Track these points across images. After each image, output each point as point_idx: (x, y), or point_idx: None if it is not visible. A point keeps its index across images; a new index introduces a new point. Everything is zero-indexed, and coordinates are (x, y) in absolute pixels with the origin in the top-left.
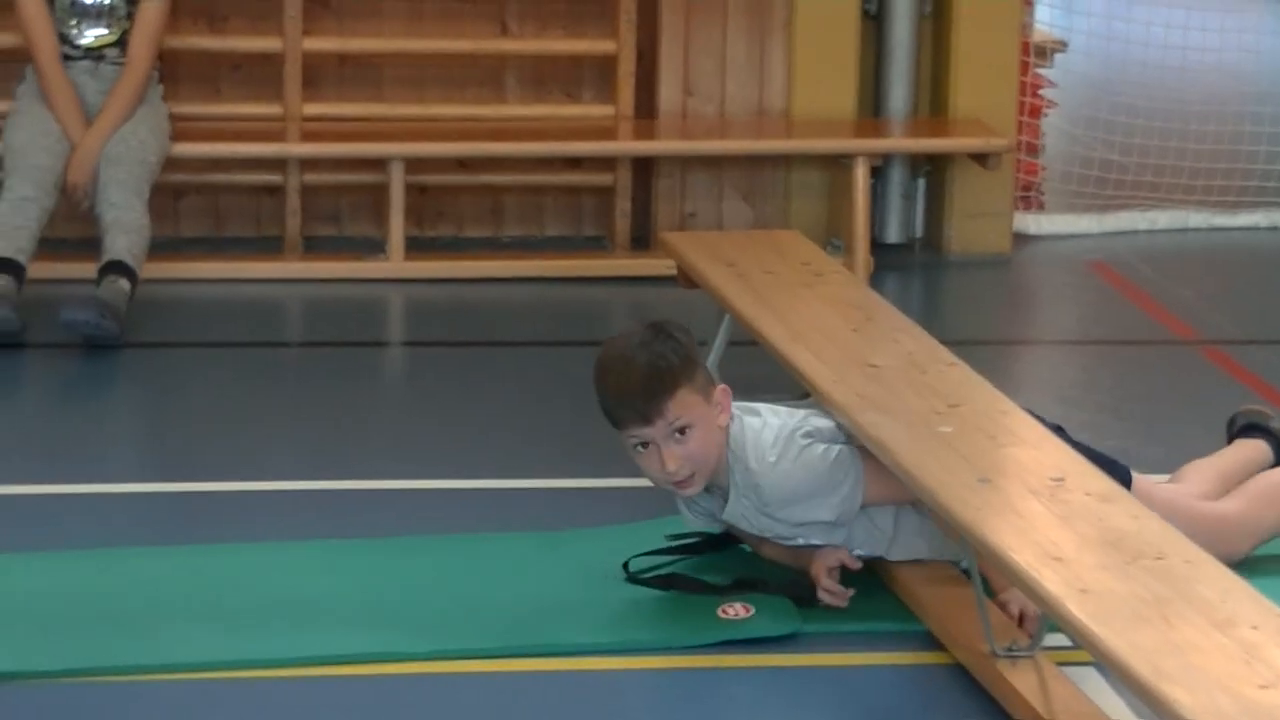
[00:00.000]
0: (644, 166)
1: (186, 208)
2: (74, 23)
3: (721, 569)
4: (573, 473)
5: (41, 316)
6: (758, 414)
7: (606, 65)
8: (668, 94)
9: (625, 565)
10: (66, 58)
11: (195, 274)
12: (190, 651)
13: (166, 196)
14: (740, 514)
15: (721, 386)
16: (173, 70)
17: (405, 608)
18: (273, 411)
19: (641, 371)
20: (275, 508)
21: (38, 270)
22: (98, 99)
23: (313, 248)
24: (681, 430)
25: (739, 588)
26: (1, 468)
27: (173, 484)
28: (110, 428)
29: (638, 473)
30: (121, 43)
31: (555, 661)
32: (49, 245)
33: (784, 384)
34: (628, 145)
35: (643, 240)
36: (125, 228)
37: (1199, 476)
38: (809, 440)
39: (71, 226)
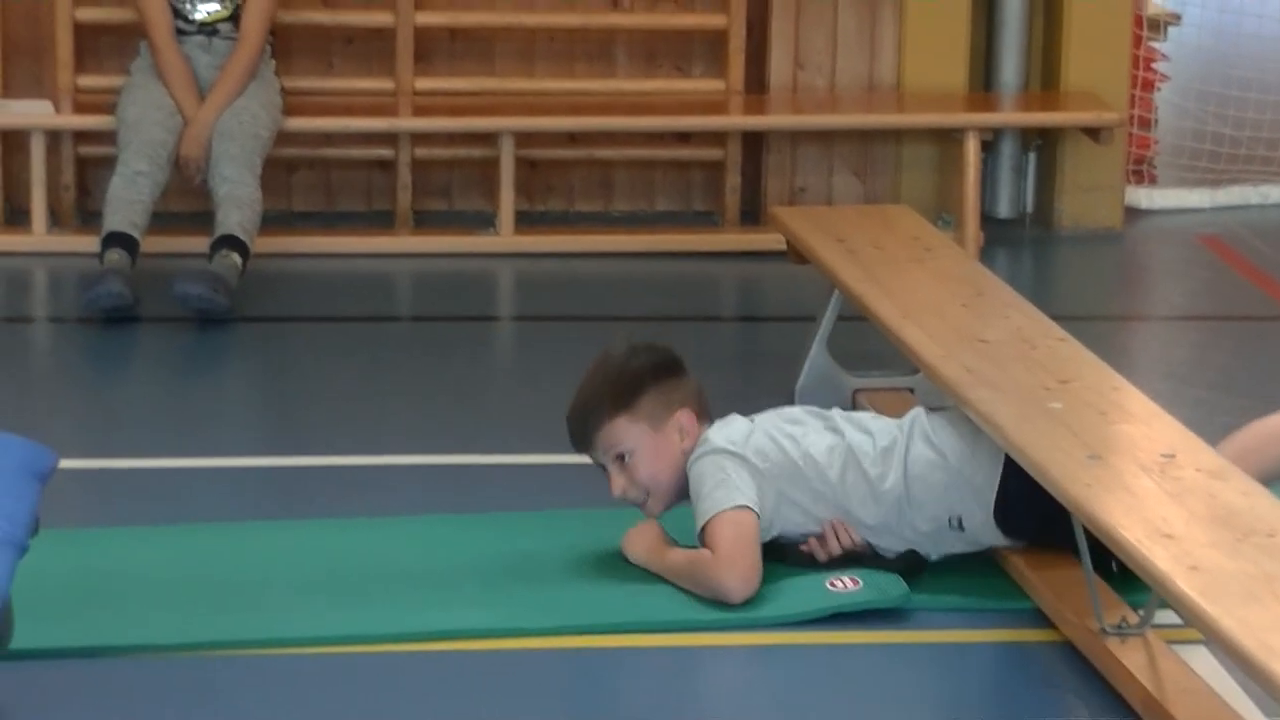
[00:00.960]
0: (754, 141)
1: (298, 182)
2: (190, 2)
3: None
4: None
5: (155, 290)
6: (706, 440)
7: (717, 39)
8: (778, 68)
9: None
10: (180, 33)
11: (307, 248)
12: (304, 626)
13: (278, 171)
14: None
15: (684, 411)
16: (285, 45)
17: (516, 583)
18: (383, 385)
19: (576, 402)
20: (387, 481)
21: (151, 244)
22: (211, 74)
23: (423, 222)
24: (621, 457)
25: (848, 561)
26: (117, 441)
27: (284, 458)
28: (223, 402)
29: None
30: (235, 18)
31: (669, 637)
32: (162, 219)
33: (893, 359)
34: (738, 120)
35: (752, 215)
36: (238, 202)
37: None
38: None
39: (184, 200)
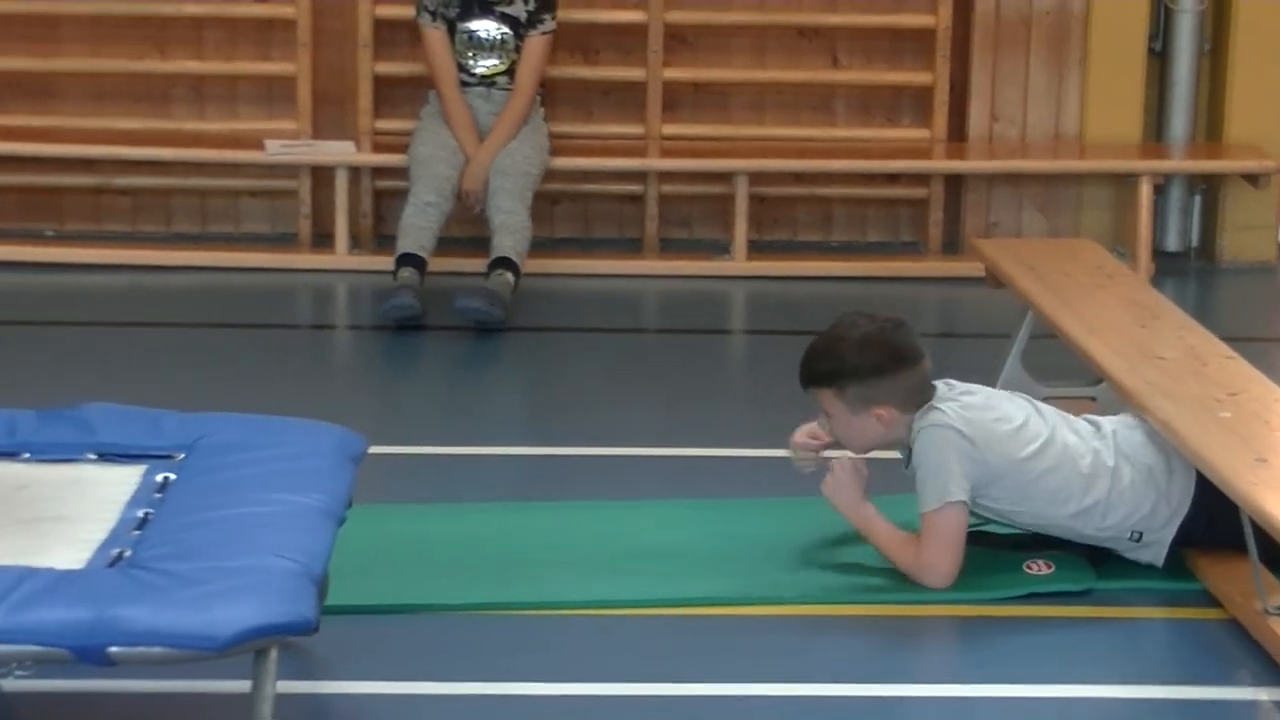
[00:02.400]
0: (954, 182)
1: (561, 213)
2: (471, 54)
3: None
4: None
5: (439, 304)
6: (940, 412)
7: (923, 94)
8: (976, 119)
9: None
10: (464, 84)
11: (568, 270)
12: (569, 591)
13: (544, 203)
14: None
15: (886, 408)
16: (552, 95)
17: (746, 559)
18: (632, 388)
19: (809, 353)
20: (634, 470)
21: (436, 264)
22: (489, 119)
23: (667, 249)
24: (826, 413)
25: (1041, 545)
26: (407, 431)
27: (547, 448)
28: (495, 399)
29: None
30: (510, 72)
31: (875, 608)
32: (446, 243)
33: (1077, 372)
34: (941, 164)
35: (951, 246)
36: (511, 229)
37: None
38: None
39: (465, 227)
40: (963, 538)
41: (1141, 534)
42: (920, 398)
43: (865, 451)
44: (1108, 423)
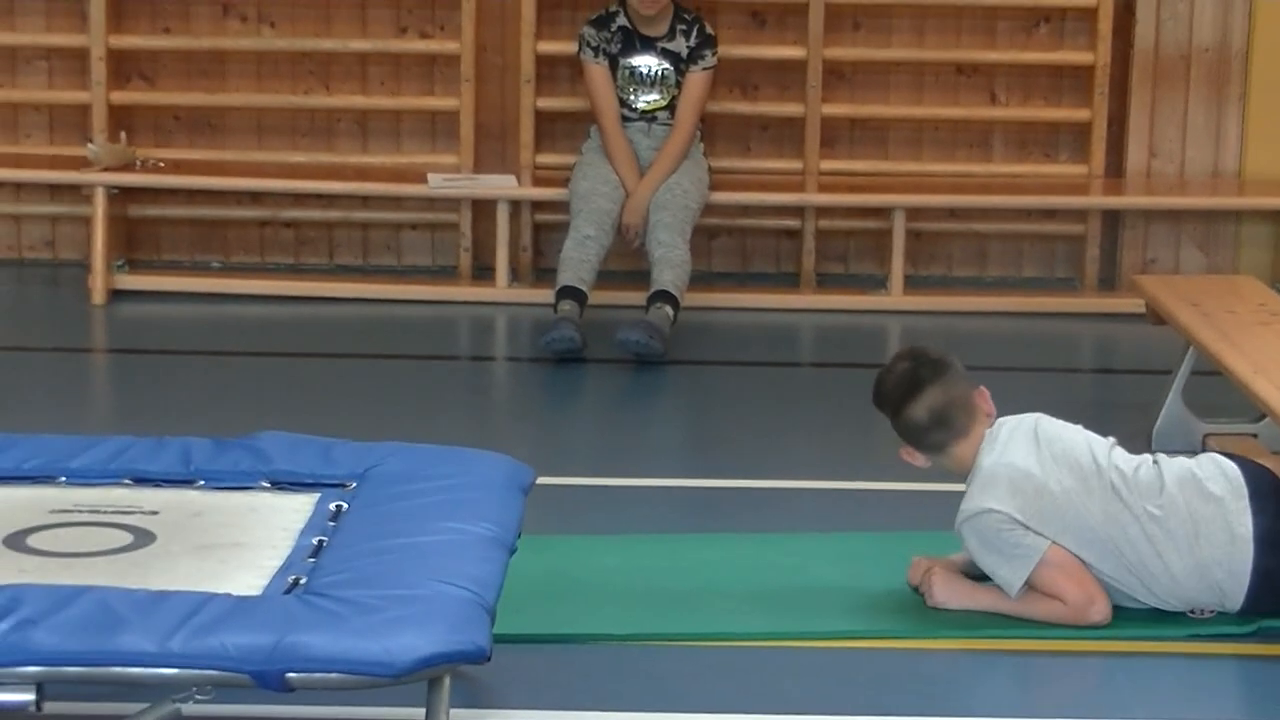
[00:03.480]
0: (1111, 218)
1: (719, 246)
2: (632, 90)
3: None
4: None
5: (599, 336)
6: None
7: (1081, 130)
8: (1135, 155)
9: None
10: (625, 119)
11: (726, 303)
12: (730, 623)
13: (703, 237)
14: None
15: (961, 444)
16: (712, 130)
17: (902, 592)
18: (790, 420)
19: (889, 400)
20: (795, 502)
21: (597, 297)
22: (649, 154)
23: (824, 283)
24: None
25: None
26: (569, 463)
27: (706, 480)
28: (657, 431)
29: None
30: (671, 107)
31: (1023, 643)
32: (606, 276)
33: (1239, 409)
34: (1099, 200)
35: (1108, 282)
36: (670, 263)
37: None
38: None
39: (625, 260)
40: (1080, 567)
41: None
42: (974, 413)
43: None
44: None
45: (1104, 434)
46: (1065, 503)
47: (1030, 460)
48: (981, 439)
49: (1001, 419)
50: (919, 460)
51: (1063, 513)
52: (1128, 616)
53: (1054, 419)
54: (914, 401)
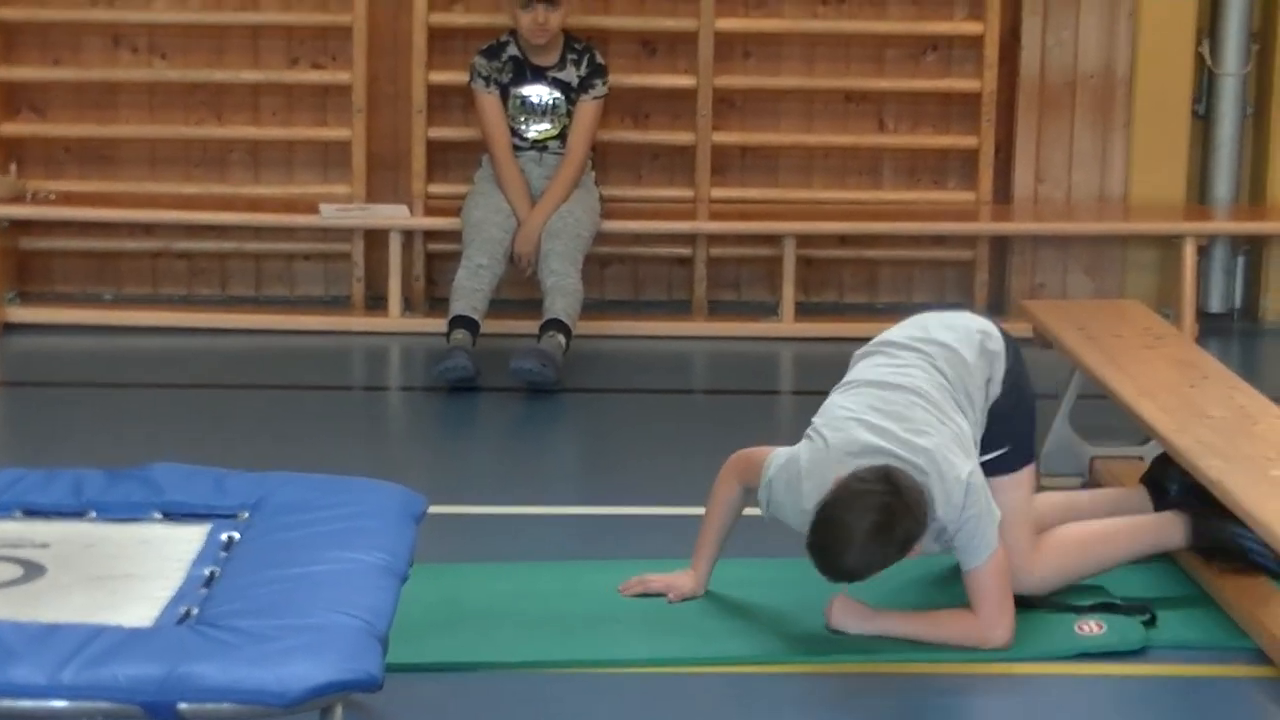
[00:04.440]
0: (1000, 244)
1: (611, 275)
2: (523, 119)
3: (1079, 590)
4: None
5: (493, 365)
6: (929, 466)
7: (969, 157)
8: (1021, 181)
9: None
10: (516, 148)
11: (619, 331)
12: (621, 649)
13: (595, 265)
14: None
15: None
16: (603, 158)
17: (795, 617)
18: (682, 447)
19: (837, 559)
20: (686, 529)
21: (489, 326)
22: (541, 183)
23: (716, 310)
24: None
25: (1095, 609)
26: (463, 491)
27: (599, 507)
28: (550, 459)
29: None
30: (562, 136)
31: (922, 666)
32: (498, 305)
33: (1129, 432)
34: (987, 226)
35: (997, 307)
36: (563, 291)
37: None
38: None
39: (517, 290)
40: (1009, 574)
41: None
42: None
43: None
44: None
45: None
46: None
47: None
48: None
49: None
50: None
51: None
52: (1016, 639)
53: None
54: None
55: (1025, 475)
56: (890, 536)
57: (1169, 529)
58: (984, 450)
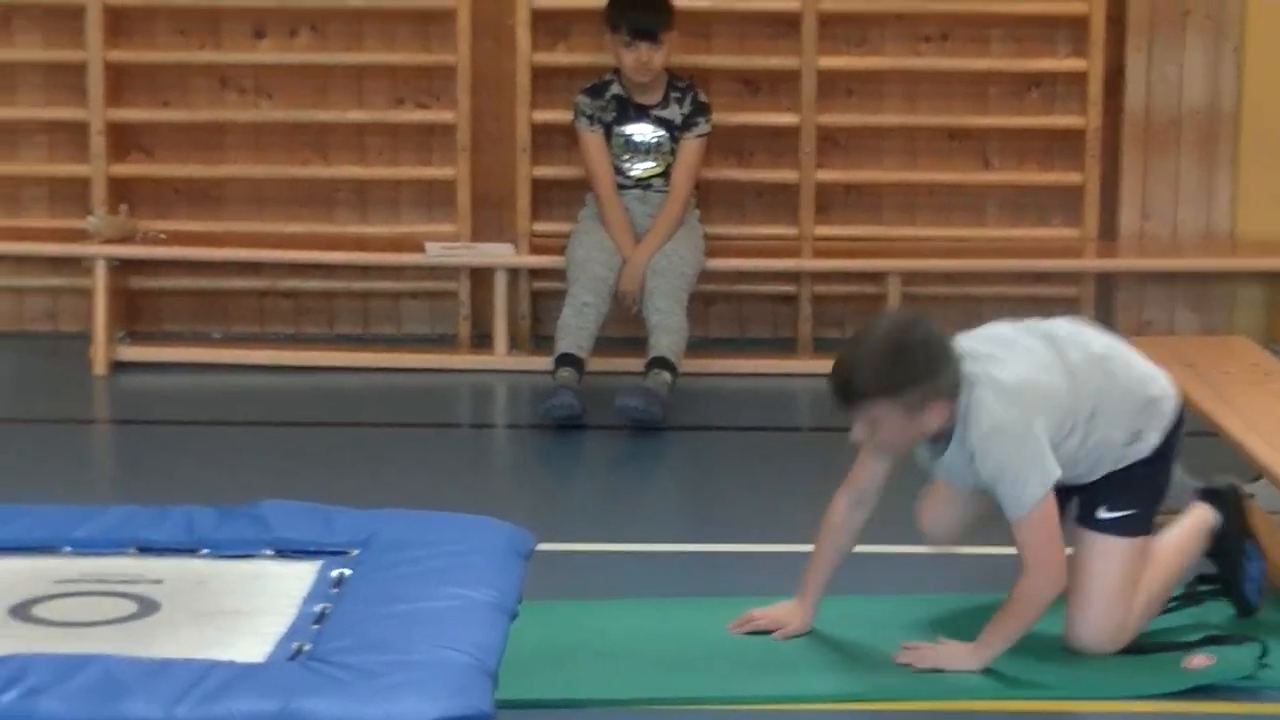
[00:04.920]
0: (1105, 280)
1: (716, 313)
2: (627, 157)
3: (1183, 628)
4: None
5: (598, 403)
6: (994, 385)
7: (1074, 194)
8: (1127, 218)
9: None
10: (620, 186)
11: (724, 369)
12: (727, 686)
13: (699, 303)
14: (951, 466)
15: (941, 403)
16: (706, 196)
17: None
18: (786, 484)
19: (848, 366)
20: (790, 566)
21: (595, 364)
22: (645, 220)
23: (821, 348)
24: (871, 422)
25: (1203, 642)
26: (569, 528)
27: (706, 545)
28: (655, 497)
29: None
30: (665, 174)
31: (1045, 704)
32: (604, 343)
33: (1239, 468)
34: (1093, 263)
35: None
36: (667, 329)
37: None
38: (1022, 440)
39: (623, 327)
40: (1057, 524)
41: (1139, 432)
42: (959, 381)
43: (906, 452)
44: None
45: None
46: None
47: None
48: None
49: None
50: (886, 428)
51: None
52: (1119, 668)
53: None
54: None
55: (1142, 542)
56: (895, 355)
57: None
58: (1111, 509)
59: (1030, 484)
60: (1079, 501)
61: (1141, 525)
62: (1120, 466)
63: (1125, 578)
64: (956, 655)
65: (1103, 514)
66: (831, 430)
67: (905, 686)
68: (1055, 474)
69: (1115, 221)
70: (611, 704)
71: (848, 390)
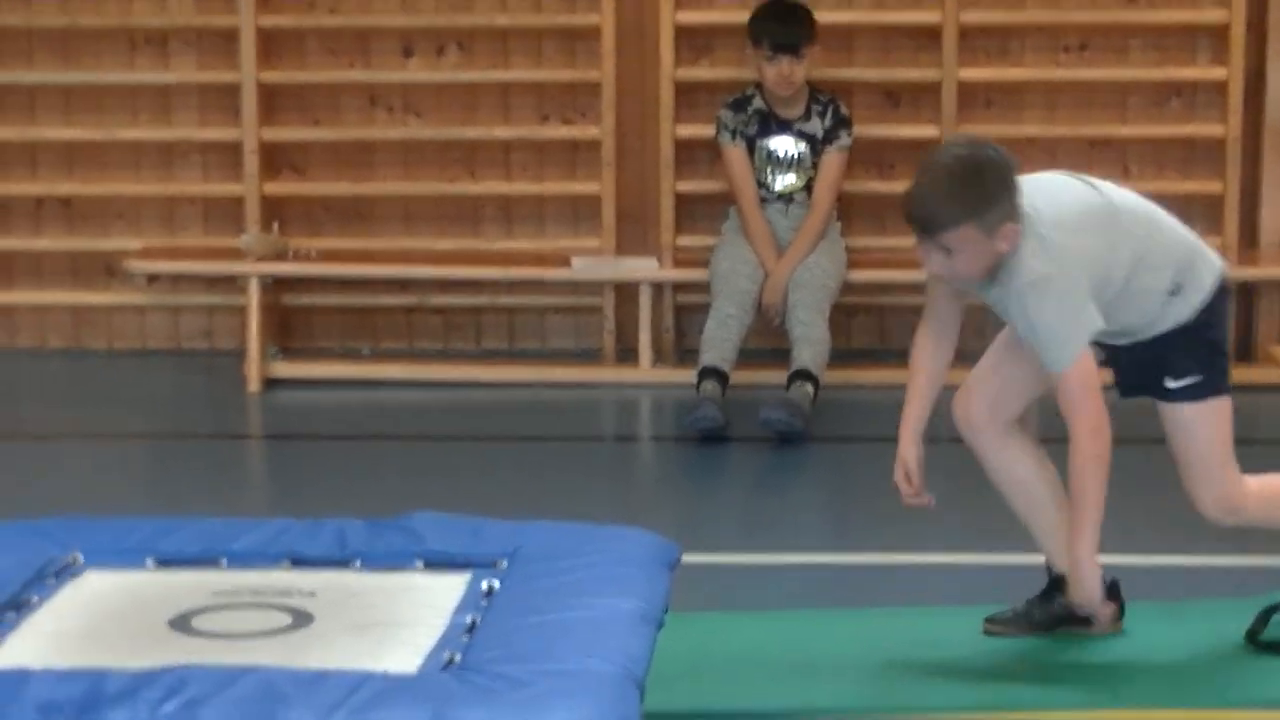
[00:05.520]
0: (1246, 289)
1: (858, 324)
2: (769, 171)
3: None
4: (1170, 549)
5: (741, 415)
6: (1040, 227)
7: (1214, 202)
8: (1268, 226)
9: (1250, 634)
10: (762, 200)
11: (865, 380)
12: (869, 696)
13: (842, 314)
14: (998, 298)
15: (1012, 224)
16: (848, 209)
17: (1043, 663)
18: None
19: (929, 194)
20: (930, 577)
21: (738, 376)
22: (788, 234)
23: (962, 359)
24: (949, 250)
25: None
26: (713, 539)
27: (849, 555)
28: (798, 507)
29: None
30: (808, 187)
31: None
32: (747, 355)
33: None
34: (1233, 271)
35: (1245, 353)
36: (810, 341)
37: None
38: (1062, 296)
39: (766, 339)
40: (1096, 376)
41: (1181, 286)
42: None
43: (980, 279)
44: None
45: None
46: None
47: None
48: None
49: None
50: (963, 255)
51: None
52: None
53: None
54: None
55: (1217, 406)
56: (972, 178)
57: None
58: (1176, 377)
59: (1070, 340)
60: (1147, 383)
61: (1209, 388)
62: (1164, 329)
63: (1209, 440)
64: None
65: (1170, 384)
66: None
67: (1045, 694)
68: (1097, 325)
69: (1255, 230)
70: (756, 715)
71: (932, 220)
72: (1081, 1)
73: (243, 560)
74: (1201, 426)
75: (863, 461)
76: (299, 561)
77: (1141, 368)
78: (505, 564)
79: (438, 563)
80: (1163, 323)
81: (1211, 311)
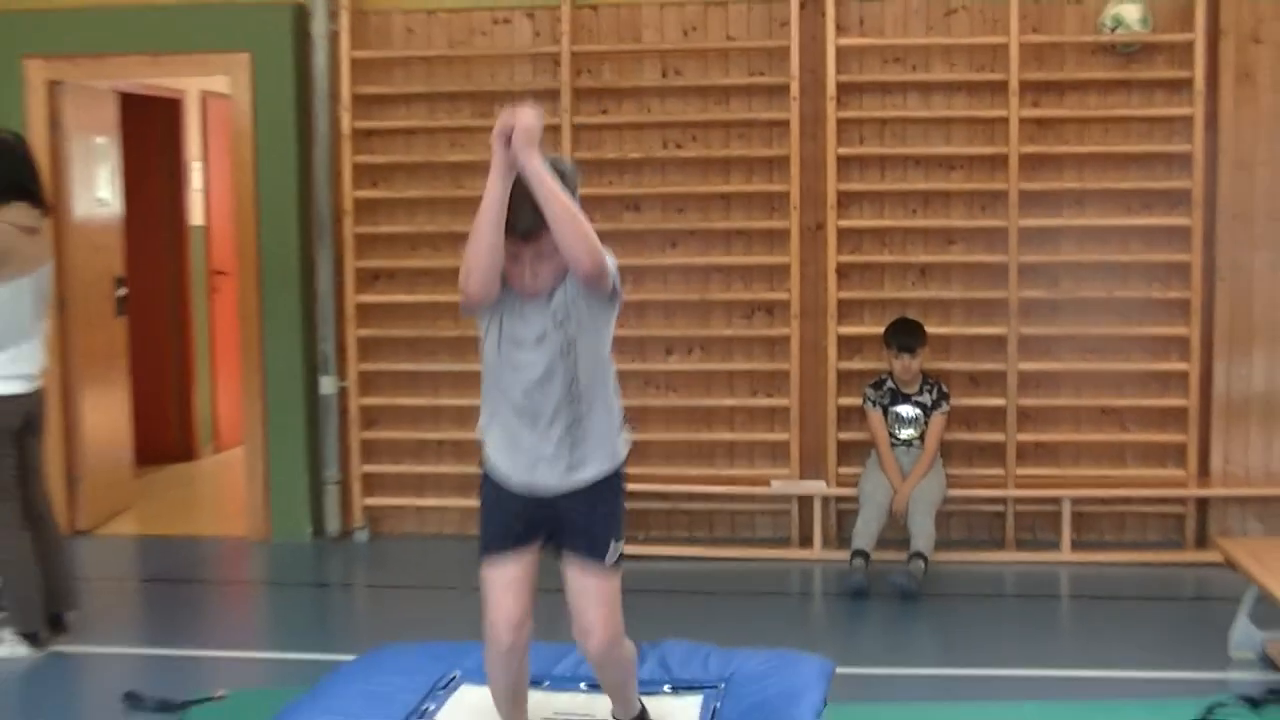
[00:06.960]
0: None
1: (953, 522)
2: (897, 427)
3: None
4: None
5: (879, 580)
6: None
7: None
8: (1217, 462)
9: None
10: (892, 444)
11: (957, 559)
12: None
13: (944, 517)
14: None
15: None
16: (947, 450)
17: None
18: (1004, 631)
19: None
20: (1022, 687)
21: (877, 556)
22: (909, 466)
23: (1021, 545)
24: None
25: None
26: (855, 656)
27: (957, 669)
28: (915, 639)
29: None
30: (921, 437)
31: None
32: (883, 543)
33: None
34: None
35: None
36: (923, 533)
37: None
38: None
39: (894, 533)
40: None
41: None
42: None
43: None
44: None
45: None
46: None
47: None
48: None
49: None
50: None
51: None
52: None
53: None
54: None
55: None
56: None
57: None
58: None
59: None
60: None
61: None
62: None
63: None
64: None
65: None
66: (1034, 598)
67: None
68: None
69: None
70: None
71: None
72: (1082, 323)
73: (558, 683)
74: None
75: (956, 612)
76: (593, 686)
77: None
78: (724, 686)
79: (680, 687)
80: None
81: None
